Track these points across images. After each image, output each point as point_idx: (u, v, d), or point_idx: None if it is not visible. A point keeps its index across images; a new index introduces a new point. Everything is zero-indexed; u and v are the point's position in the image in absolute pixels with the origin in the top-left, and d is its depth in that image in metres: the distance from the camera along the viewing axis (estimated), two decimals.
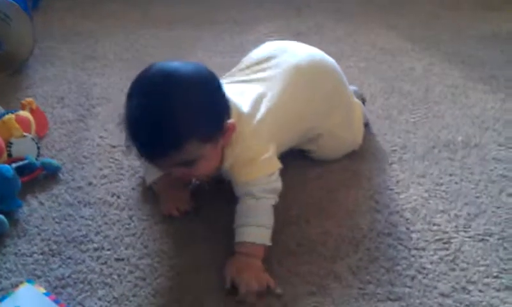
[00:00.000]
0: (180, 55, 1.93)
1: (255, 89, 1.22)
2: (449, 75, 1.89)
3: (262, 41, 1.42)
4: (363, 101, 1.60)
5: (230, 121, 1.10)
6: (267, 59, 1.30)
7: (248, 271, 1.03)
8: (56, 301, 0.99)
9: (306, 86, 1.27)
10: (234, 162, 1.14)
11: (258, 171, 1.13)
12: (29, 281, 1.04)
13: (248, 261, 1.05)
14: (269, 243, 1.09)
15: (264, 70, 1.28)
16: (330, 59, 1.37)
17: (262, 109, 1.18)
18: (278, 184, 1.15)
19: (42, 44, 1.92)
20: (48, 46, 1.96)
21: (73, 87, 1.74)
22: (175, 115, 1.02)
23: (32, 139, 1.36)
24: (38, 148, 1.37)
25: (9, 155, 1.31)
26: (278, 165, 1.16)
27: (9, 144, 1.32)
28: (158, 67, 1.07)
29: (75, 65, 1.86)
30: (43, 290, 1.02)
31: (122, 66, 1.87)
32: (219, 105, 1.10)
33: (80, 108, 1.62)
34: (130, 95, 1.06)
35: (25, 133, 1.36)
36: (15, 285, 1.04)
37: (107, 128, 1.53)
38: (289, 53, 1.32)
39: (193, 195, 1.25)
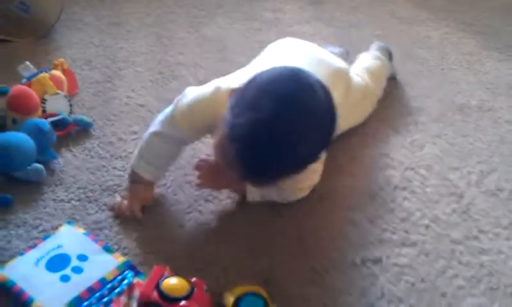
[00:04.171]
0: (200, 21, 1.99)
1: None
2: (465, 43, 1.93)
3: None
4: (390, 56, 1.65)
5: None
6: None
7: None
8: (95, 240, 1.07)
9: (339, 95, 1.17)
10: (287, 183, 1.07)
11: (304, 192, 1.18)
12: (69, 222, 1.11)
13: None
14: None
15: None
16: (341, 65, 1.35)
17: None
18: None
19: (68, 10, 1.98)
20: (74, 11, 2.02)
21: (99, 51, 1.80)
22: (302, 154, 0.95)
23: (65, 97, 1.43)
24: (70, 105, 1.44)
25: (44, 111, 1.38)
26: None
27: (43, 101, 1.39)
28: (293, 85, 0.95)
29: (100, 30, 1.92)
30: (82, 231, 1.09)
31: (145, 31, 1.92)
32: (330, 139, 1.01)
33: (107, 70, 1.69)
34: (254, 105, 0.92)
35: (58, 91, 1.42)
36: (55, 227, 1.11)
37: (134, 89, 1.59)
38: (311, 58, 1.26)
39: None
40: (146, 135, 1.16)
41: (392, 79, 1.64)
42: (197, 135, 1.18)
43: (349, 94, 1.31)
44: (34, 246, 1.05)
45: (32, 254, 1.03)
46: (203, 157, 1.27)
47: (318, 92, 0.95)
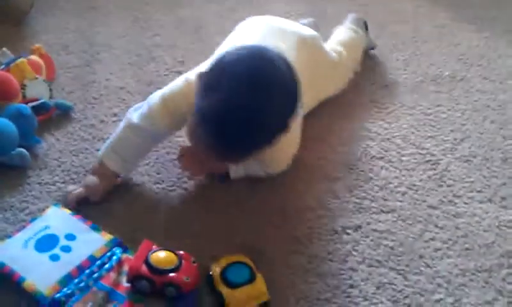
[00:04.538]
0: (175, 3, 2.00)
1: None
2: (436, 16, 1.97)
3: None
4: (366, 27, 1.67)
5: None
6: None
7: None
8: (82, 220, 1.08)
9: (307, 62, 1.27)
10: (266, 156, 1.12)
11: (287, 163, 1.21)
12: (55, 204, 1.13)
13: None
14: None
15: None
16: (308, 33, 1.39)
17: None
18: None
19: None
20: None
21: (76, 35, 1.80)
22: (269, 125, 1.00)
23: (44, 81, 1.44)
24: (50, 90, 1.45)
25: (24, 96, 1.39)
26: None
27: (23, 86, 1.39)
28: (257, 61, 1.01)
29: (76, 15, 1.91)
30: (69, 211, 1.11)
31: (121, 14, 1.92)
32: (294, 114, 1.05)
33: (85, 54, 1.69)
34: (222, 84, 0.98)
35: (37, 76, 1.43)
36: (42, 210, 1.12)
37: (112, 72, 1.60)
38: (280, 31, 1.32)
39: None
40: (119, 128, 1.17)
41: (371, 49, 1.69)
42: (172, 127, 1.19)
43: (318, 62, 1.36)
44: (21, 229, 1.06)
45: (20, 237, 1.04)
46: (184, 145, 1.28)
47: (279, 66, 1.01)
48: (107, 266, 0.98)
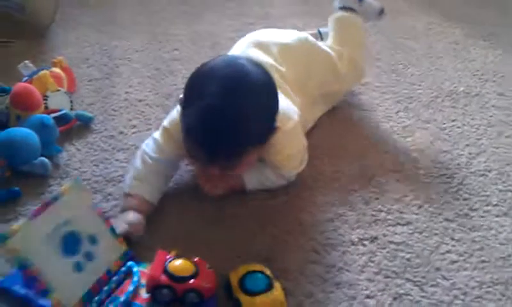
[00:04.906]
0: (190, 17, 2.03)
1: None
2: (450, 33, 1.99)
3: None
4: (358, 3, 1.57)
5: (277, 124, 1.12)
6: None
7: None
8: (102, 217, 1.03)
9: (302, 63, 1.39)
10: (272, 158, 1.18)
11: (295, 166, 1.23)
12: (77, 179, 1.05)
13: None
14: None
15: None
16: (302, 35, 1.46)
17: (291, 103, 1.25)
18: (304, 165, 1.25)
19: (62, 9, 2.01)
20: (68, 12, 2.05)
21: (95, 49, 1.84)
22: (250, 121, 1.04)
23: (66, 93, 1.47)
24: (71, 101, 1.48)
25: (46, 107, 1.42)
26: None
27: (45, 98, 1.42)
28: (229, 68, 1.08)
29: (95, 29, 1.96)
30: (90, 200, 1.04)
31: (139, 29, 1.97)
32: (276, 110, 1.12)
33: (104, 67, 1.73)
34: (201, 93, 1.05)
35: (59, 88, 1.46)
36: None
37: (131, 85, 1.63)
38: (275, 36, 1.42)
39: None
40: (138, 163, 1.18)
41: (380, 15, 1.57)
42: (180, 153, 1.18)
43: (312, 58, 1.43)
44: (43, 209, 0.95)
45: (42, 224, 0.94)
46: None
47: (250, 68, 1.08)
48: (130, 289, 0.96)
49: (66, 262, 0.96)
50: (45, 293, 0.89)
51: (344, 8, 1.56)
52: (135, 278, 0.98)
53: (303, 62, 1.39)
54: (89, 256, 0.99)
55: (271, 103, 1.11)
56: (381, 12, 1.56)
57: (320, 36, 1.62)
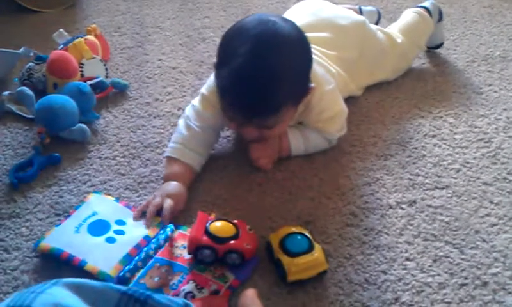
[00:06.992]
0: None
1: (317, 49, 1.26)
2: None
3: None
4: (440, 16, 1.60)
5: (312, 84, 1.13)
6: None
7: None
8: (128, 206, 1.09)
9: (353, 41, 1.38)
10: (315, 119, 1.20)
11: (337, 129, 1.24)
12: (96, 192, 1.13)
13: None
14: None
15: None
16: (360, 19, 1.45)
17: (332, 68, 1.27)
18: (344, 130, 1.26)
19: None
20: None
21: (127, 17, 1.84)
22: (284, 78, 1.05)
23: (101, 61, 1.48)
24: (106, 69, 1.49)
25: (82, 75, 1.43)
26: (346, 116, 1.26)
27: (81, 65, 1.44)
28: (261, 26, 1.08)
29: None
30: (112, 198, 1.11)
31: None
32: (310, 68, 1.14)
33: (137, 36, 1.73)
34: (234, 52, 1.06)
35: (94, 55, 1.47)
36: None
37: (164, 52, 1.64)
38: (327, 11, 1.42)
39: None
40: (181, 128, 1.18)
41: (436, 47, 1.62)
42: (219, 117, 1.18)
43: (364, 47, 1.39)
44: (68, 216, 1.05)
45: (69, 223, 1.03)
46: None
47: (283, 26, 1.08)
48: (162, 241, 1.00)
49: (97, 239, 1.01)
50: (80, 265, 0.96)
51: (426, 10, 1.57)
52: (167, 229, 1.02)
53: (356, 47, 1.37)
54: (119, 232, 1.03)
55: (304, 60, 1.12)
56: (438, 47, 1.62)
57: (361, 12, 1.61)
